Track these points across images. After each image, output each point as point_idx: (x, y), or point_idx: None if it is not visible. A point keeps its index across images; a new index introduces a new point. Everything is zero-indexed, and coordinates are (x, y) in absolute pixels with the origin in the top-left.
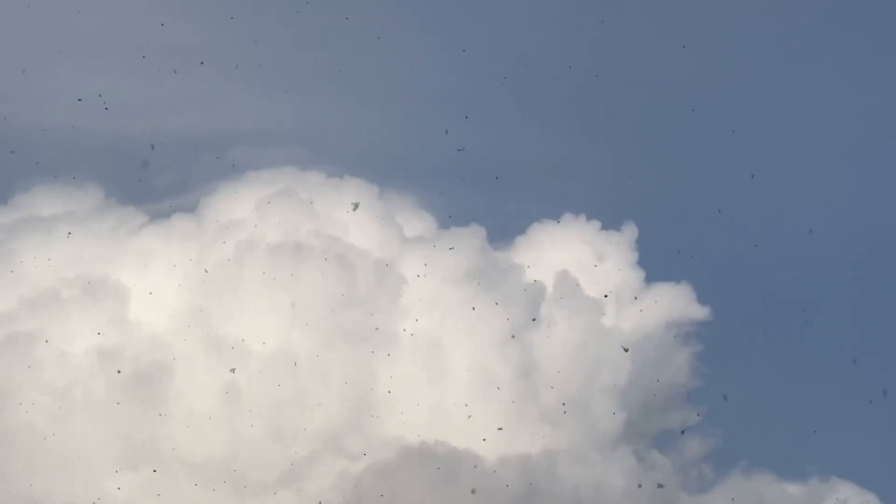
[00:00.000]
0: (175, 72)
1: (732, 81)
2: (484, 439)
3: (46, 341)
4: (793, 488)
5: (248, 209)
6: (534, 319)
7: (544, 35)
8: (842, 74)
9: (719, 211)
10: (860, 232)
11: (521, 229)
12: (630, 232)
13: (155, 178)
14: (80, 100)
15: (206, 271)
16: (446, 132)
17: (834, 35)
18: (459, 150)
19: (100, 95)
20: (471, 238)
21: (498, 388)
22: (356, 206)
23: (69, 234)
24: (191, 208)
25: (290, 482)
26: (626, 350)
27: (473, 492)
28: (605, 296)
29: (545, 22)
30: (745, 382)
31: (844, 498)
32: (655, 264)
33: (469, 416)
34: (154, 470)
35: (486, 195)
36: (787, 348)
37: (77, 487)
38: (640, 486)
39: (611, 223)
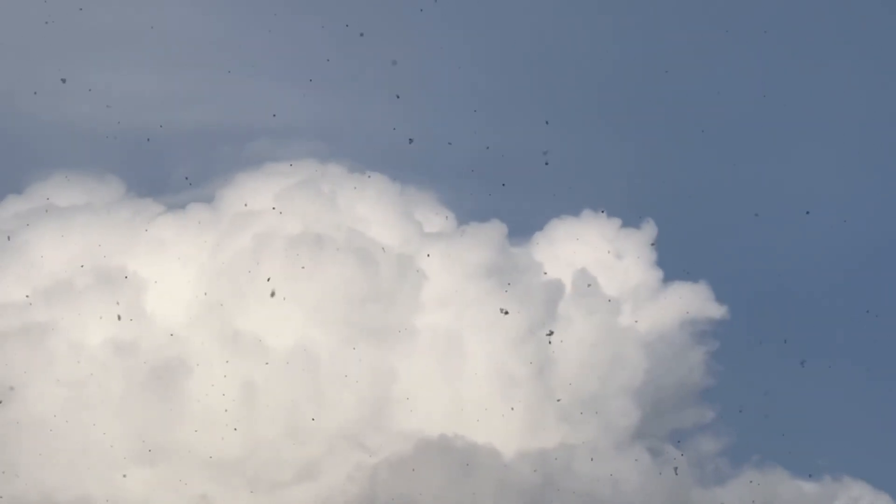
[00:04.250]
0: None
1: (754, 80)
2: (501, 434)
3: (60, 333)
4: (806, 486)
5: (267, 201)
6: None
7: (565, 33)
8: (861, 76)
9: (756, 214)
10: (878, 234)
11: (539, 225)
12: (649, 229)
13: (174, 170)
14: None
15: (224, 262)
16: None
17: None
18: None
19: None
20: (491, 234)
21: (515, 384)
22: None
23: (85, 224)
24: (208, 199)
25: (307, 477)
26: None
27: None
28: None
29: (566, 20)
30: (759, 381)
31: (856, 497)
32: (674, 263)
33: (486, 411)
34: (168, 465)
35: (505, 192)
36: (802, 348)
37: (90, 481)
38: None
39: (631, 220)
